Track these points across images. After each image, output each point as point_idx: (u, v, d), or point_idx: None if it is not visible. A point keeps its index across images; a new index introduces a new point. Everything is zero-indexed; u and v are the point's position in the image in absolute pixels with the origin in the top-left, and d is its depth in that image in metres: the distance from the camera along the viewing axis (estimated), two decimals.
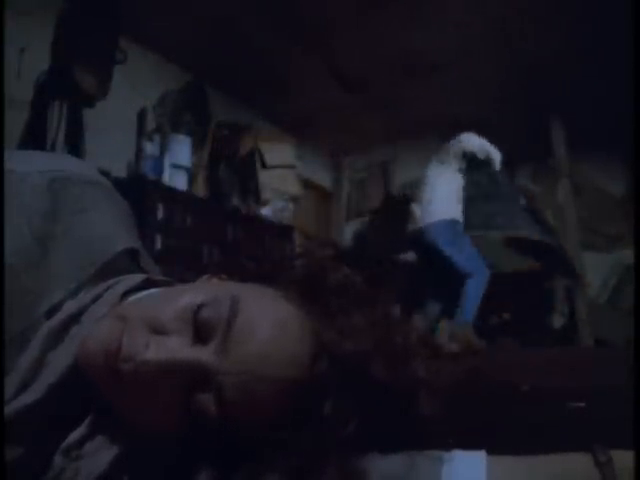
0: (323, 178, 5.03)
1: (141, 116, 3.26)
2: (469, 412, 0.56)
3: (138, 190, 2.73)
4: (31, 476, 0.47)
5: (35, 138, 2.53)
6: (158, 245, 2.80)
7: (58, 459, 0.47)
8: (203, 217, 3.15)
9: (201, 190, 3.42)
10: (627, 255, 4.04)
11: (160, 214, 2.87)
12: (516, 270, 3.77)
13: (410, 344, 0.52)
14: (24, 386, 0.47)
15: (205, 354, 0.46)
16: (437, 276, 3.41)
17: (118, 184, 0.65)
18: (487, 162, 3.49)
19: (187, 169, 3.22)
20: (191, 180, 3.28)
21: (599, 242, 4.44)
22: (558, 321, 4.21)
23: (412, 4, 3.04)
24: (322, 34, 3.32)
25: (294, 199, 3.89)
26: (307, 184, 4.49)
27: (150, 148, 3.10)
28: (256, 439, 0.47)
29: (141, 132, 3.21)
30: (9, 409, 0.46)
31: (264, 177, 3.59)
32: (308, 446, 0.46)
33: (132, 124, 3.23)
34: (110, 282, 0.55)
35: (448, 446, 0.47)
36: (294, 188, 3.81)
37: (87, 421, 0.49)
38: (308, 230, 4.55)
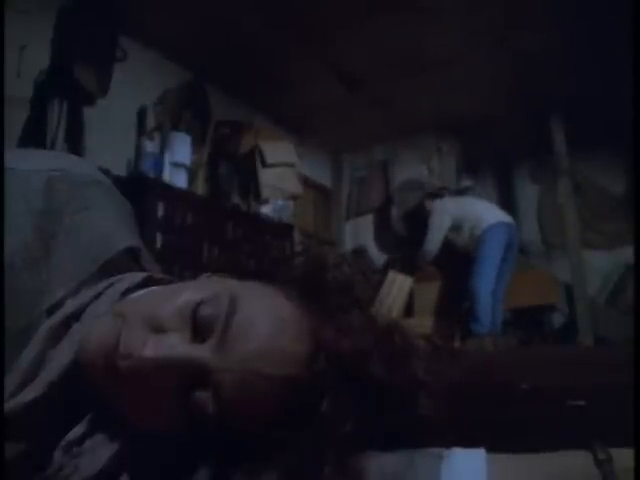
0: (323, 176, 5.03)
1: (141, 114, 3.26)
2: (469, 410, 0.56)
3: (138, 188, 2.73)
4: (31, 473, 0.47)
5: (35, 136, 2.53)
6: (158, 243, 2.80)
7: (58, 456, 0.47)
8: (203, 215, 3.15)
9: (201, 188, 3.42)
10: (627, 254, 4.04)
11: (160, 212, 2.87)
12: None
13: (409, 343, 0.53)
14: (24, 383, 0.47)
15: (203, 351, 0.46)
16: None
17: (118, 182, 0.65)
18: None
19: (187, 167, 3.22)
20: (191, 178, 3.28)
21: (599, 241, 4.43)
22: (558, 320, 4.22)
23: (413, 4, 3.04)
24: (322, 33, 3.32)
25: (294, 197, 3.89)
26: (307, 182, 4.49)
27: (150, 146, 3.09)
28: (255, 437, 0.47)
29: (141, 130, 3.21)
30: (10, 406, 0.46)
31: (264, 175, 3.58)
32: (307, 444, 0.46)
33: (132, 122, 3.23)
34: (111, 280, 0.55)
35: (448, 444, 0.47)
36: (294, 186, 3.81)
37: (87, 418, 0.49)
38: (308, 228, 4.55)
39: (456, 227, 3.85)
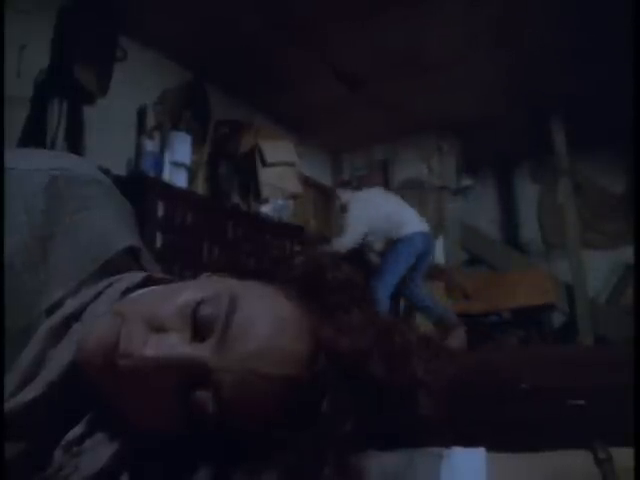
0: (323, 176, 5.03)
1: (141, 114, 3.26)
2: (469, 410, 0.56)
3: (138, 188, 2.72)
4: (31, 472, 0.47)
5: (35, 136, 2.53)
6: (158, 243, 2.79)
7: (58, 455, 0.47)
8: (203, 215, 3.15)
9: (201, 188, 3.42)
10: (627, 254, 4.05)
11: (160, 212, 2.86)
12: None
13: (408, 342, 0.53)
14: (24, 383, 0.47)
15: (203, 351, 0.46)
16: None
17: (118, 182, 0.65)
18: None
19: (187, 167, 3.22)
20: (191, 178, 3.28)
21: (599, 241, 4.44)
22: (558, 320, 4.22)
23: (413, 3, 3.04)
24: (322, 33, 3.32)
25: (294, 197, 3.88)
26: (307, 182, 4.49)
27: (150, 146, 3.09)
28: (255, 437, 0.47)
29: (141, 130, 3.21)
30: (10, 406, 0.46)
31: (264, 175, 3.58)
32: (307, 444, 0.46)
33: (132, 122, 3.23)
34: (111, 280, 0.55)
35: (447, 443, 0.47)
36: (294, 186, 3.81)
37: (87, 418, 0.49)
38: (308, 228, 4.55)
39: (372, 230, 3.70)
